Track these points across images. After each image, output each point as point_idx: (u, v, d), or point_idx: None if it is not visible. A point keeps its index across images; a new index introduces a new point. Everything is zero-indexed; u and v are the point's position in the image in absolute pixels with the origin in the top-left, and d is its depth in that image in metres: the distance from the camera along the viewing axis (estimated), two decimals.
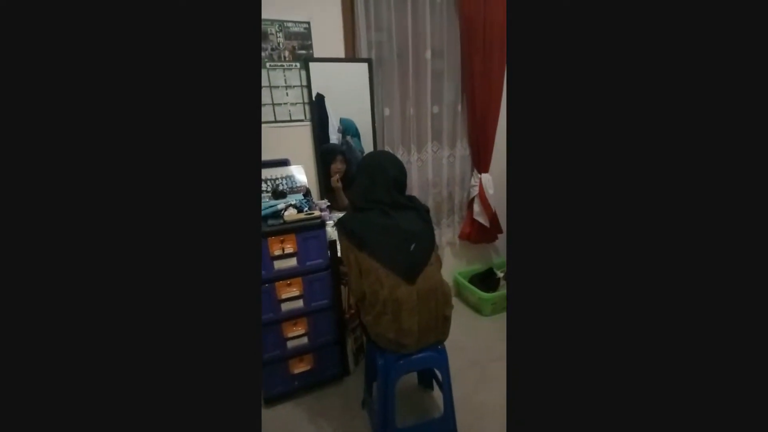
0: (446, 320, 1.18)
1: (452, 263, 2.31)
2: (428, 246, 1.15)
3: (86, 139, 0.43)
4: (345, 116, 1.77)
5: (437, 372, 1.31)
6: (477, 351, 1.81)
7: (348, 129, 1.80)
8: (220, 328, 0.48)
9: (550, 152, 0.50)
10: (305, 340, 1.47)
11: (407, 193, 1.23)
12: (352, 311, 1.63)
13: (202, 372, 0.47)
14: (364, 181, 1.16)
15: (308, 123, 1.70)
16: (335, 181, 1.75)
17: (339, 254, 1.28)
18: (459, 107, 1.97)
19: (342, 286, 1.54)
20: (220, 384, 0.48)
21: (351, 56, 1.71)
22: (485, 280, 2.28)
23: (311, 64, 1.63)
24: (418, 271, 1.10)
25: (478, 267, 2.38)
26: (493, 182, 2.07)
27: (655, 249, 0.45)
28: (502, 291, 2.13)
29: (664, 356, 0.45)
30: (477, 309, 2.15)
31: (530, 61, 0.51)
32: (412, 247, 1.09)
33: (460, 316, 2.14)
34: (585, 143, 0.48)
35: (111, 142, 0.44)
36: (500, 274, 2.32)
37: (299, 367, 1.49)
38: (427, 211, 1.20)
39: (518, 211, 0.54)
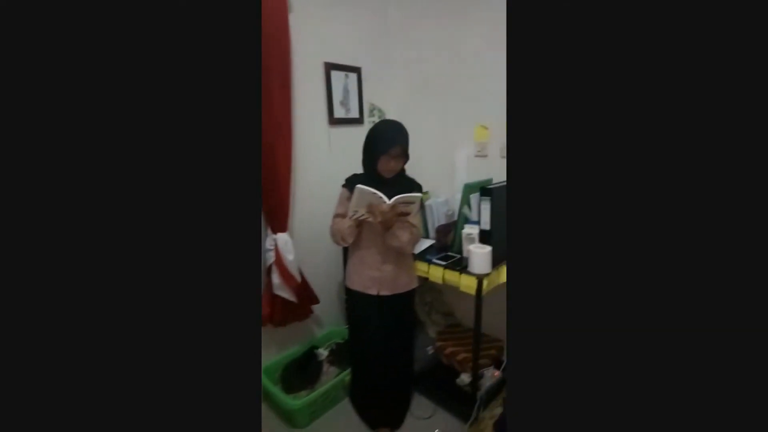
0: None
1: None
2: None
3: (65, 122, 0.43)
4: None
5: None
6: None
7: None
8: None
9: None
10: None
11: None
12: None
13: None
14: None
15: None
16: None
17: None
18: None
19: None
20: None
21: None
22: (305, 367, 1.72)
23: None
24: None
25: (297, 348, 1.80)
26: (294, 244, 1.54)
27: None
28: (327, 384, 1.59)
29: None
30: (291, 420, 1.55)
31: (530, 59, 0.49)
32: None
33: None
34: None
35: (100, 137, 0.44)
36: (324, 354, 1.80)
37: None
38: None
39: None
